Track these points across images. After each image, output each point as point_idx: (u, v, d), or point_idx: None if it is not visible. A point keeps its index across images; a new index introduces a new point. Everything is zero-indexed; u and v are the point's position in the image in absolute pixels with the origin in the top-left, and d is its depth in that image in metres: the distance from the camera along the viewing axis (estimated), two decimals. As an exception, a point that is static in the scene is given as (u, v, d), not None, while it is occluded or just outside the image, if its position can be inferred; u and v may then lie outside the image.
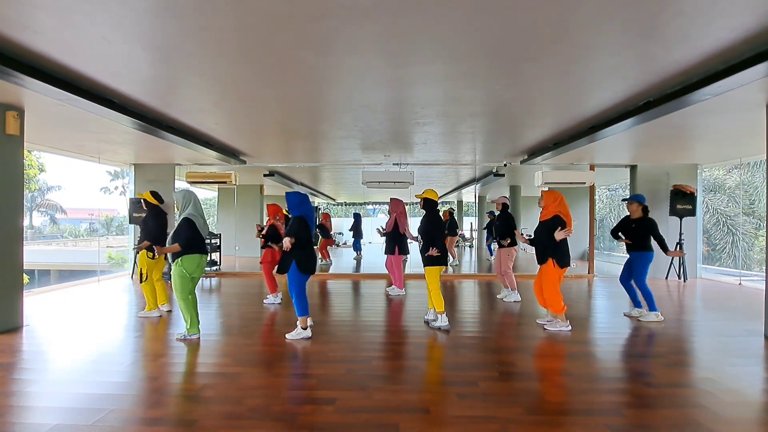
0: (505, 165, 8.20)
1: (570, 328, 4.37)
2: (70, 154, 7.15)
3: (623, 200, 5.07)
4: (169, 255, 4.19)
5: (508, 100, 4.14)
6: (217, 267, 8.81)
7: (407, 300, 5.96)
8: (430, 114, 4.67)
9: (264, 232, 5.64)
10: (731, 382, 3.04)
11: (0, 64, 2.90)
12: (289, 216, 4.31)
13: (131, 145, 6.56)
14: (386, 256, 6.35)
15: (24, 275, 4.66)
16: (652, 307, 4.75)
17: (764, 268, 6.43)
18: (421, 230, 4.66)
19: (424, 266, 4.56)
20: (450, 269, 9.71)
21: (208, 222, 4.48)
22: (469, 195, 15.16)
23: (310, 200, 4.22)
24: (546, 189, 5.00)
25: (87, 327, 4.47)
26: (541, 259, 4.42)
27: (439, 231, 4.56)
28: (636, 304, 4.98)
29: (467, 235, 14.19)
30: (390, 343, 4.02)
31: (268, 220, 5.73)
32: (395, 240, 6.21)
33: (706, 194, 17.09)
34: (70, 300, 5.94)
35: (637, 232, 4.80)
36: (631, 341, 4.14)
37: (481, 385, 2.97)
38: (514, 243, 5.79)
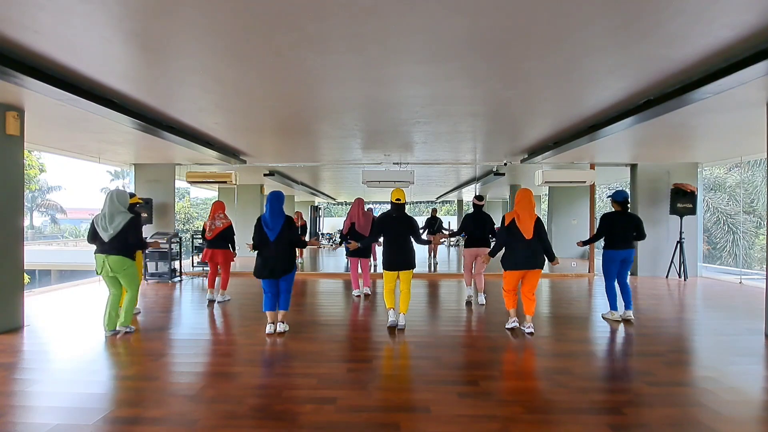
0: (505, 164, 8.19)
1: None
2: (70, 154, 7.15)
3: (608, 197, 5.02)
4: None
5: (508, 99, 4.13)
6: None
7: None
8: (430, 113, 4.67)
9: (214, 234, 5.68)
10: (732, 380, 3.04)
11: (0, 64, 2.90)
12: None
13: (131, 145, 6.56)
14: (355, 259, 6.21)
15: (25, 275, 4.66)
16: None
17: (765, 266, 6.43)
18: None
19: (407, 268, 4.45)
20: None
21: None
22: (469, 194, 15.16)
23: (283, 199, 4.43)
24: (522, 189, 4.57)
25: (88, 327, 4.47)
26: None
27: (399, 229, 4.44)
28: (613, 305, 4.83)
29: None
30: (390, 342, 4.02)
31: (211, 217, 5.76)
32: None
33: (707, 193, 17.09)
34: (70, 300, 5.94)
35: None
36: (632, 340, 4.14)
37: (481, 384, 2.97)
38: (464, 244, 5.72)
